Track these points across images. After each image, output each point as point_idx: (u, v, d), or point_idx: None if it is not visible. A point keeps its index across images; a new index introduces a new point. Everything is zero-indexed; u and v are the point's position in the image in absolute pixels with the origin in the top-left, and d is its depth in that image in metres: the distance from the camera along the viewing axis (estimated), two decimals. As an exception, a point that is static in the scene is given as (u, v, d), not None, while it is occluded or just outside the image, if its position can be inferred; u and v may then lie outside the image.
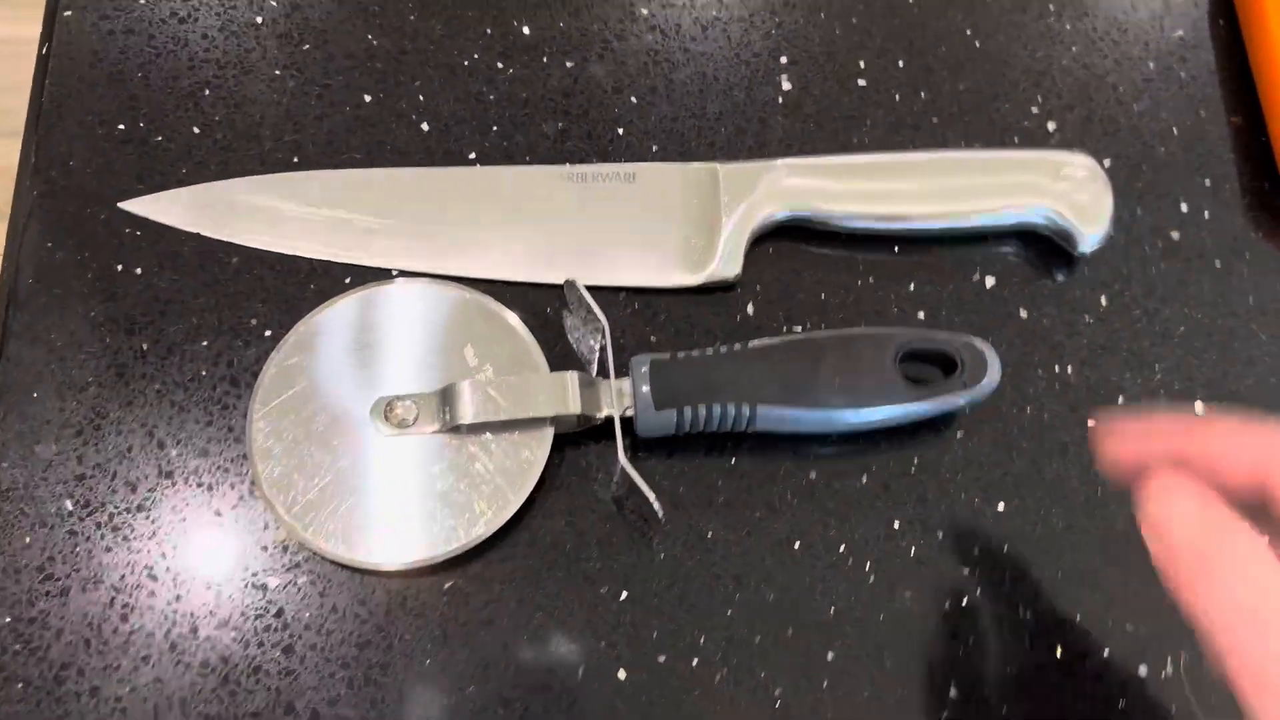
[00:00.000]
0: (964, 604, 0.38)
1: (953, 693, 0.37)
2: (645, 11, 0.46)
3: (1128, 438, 0.29)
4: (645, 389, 0.37)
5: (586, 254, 0.42)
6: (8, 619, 0.36)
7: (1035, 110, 0.46)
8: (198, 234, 0.41)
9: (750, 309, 0.42)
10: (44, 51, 0.43)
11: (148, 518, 0.37)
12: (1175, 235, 0.44)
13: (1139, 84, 0.46)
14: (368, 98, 0.44)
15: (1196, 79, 0.47)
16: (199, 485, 0.38)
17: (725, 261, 0.41)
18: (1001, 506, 0.39)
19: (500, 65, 0.45)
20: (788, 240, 0.43)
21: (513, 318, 0.40)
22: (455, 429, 0.37)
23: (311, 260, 0.41)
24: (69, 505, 0.37)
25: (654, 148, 0.44)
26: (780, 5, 0.47)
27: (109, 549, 0.37)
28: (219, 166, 0.42)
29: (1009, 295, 0.42)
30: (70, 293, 0.40)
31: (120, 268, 0.40)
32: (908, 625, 0.37)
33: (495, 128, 0.44)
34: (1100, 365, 0.41)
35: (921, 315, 0.42)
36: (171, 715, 0.35)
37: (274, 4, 0.45)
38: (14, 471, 0.37)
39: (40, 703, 0.35)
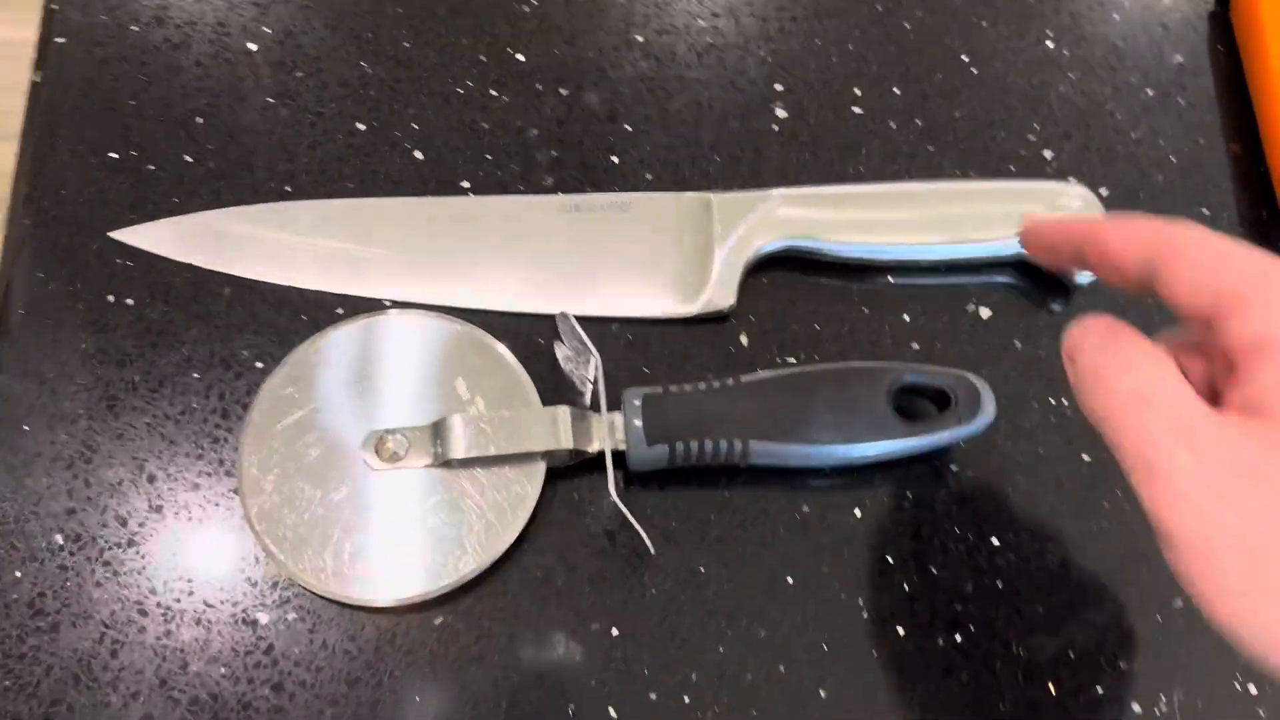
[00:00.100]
0: (958, 640, 0.37)
1: (945, 731, 0.36)
2: (640, 38, 0.46)
3: (1046, 233, 0.32)
4: (637, 423, 0.37)
5: (580, 284, 0.42)
6: (-3, 655, 0.36)
7: (1032, 138, 0.45)
8: (190, 264, 0.41)
9: (744, 339, 0.41)
10: (37, 79, 0.43)
11: (138, 552, 0.37)
12: (1172, 265, 0.43)
13: (1137, 111, 0.46)
14: (361, 126, 0.44)
15: (1195, 106, 0.46)
16: (189, 519, 0.38)
17: (719, 291, 0.41)
18: (996, 541, 0.39)
19: (494, 93, 0.45)
20: (782, 270, 0.42)
21: (504, 350, 0.39)
22: (447, 463, 0.37)
23: (304, 290, 0.41)
24: (59, 539, 0.37)
25: (648, 176, 0.44)
26: (775, 32, 0.47)
27: (99, 584, 0.37)
28: (211, 195, 0.42)
29: (1004, 327, 0.42)
30: (62, 324, 0.40)
31: (112, 298, 0.40)
32: (901, 662, 0.37)
33: (489, 156, 0.43)
34: (1096, 397, 0.41)
35: (916, 346, 0.42)
36: (160, 752, 0.35)
37: (267, 31, 0.45)
38: (4, 505, 0.37)
39: (29, 740, 0.35)
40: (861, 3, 0.47)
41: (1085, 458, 0.40)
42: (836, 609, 0.38)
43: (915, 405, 0.39)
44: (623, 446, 0.37)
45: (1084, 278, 0.42)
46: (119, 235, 0.41)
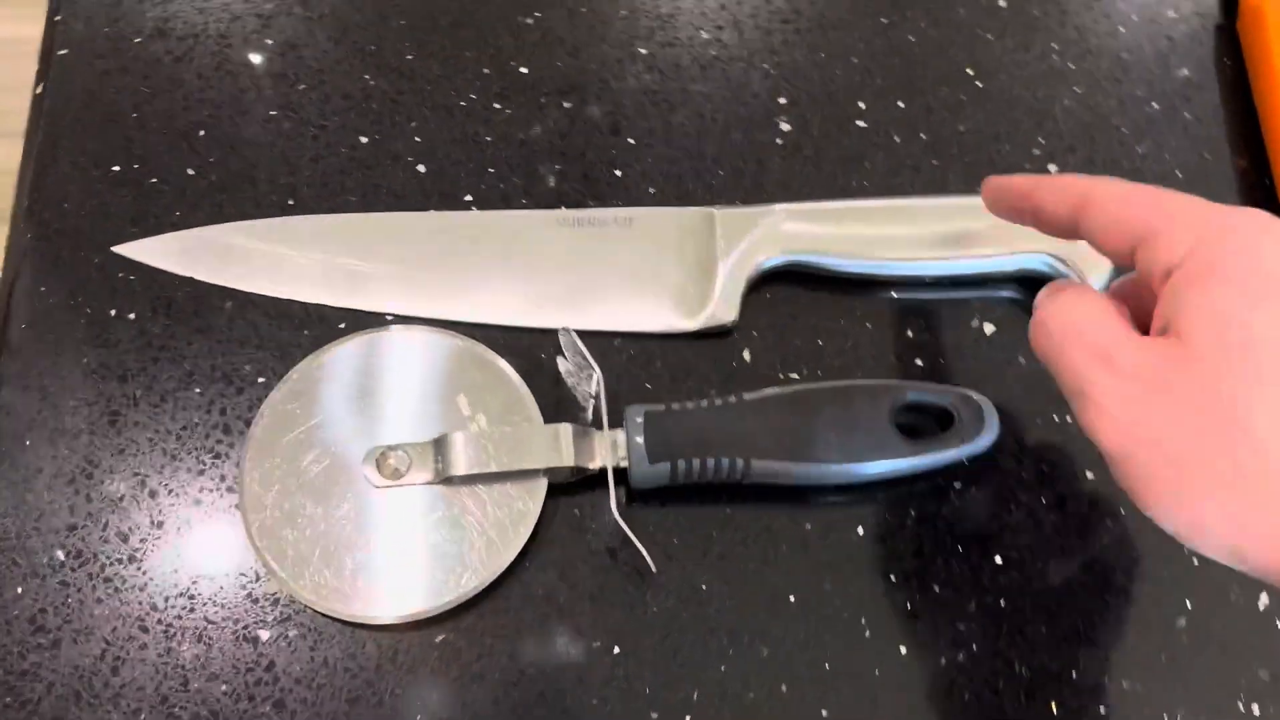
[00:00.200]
0: (960, 659, 0.37)
1: (948, 750, 0.36)
2: (644, 51, 0.46)
3: (999, 193, 0.35)
4: (639, 440, 0.37)
5: (582, 299, 0.41)
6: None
7: (1037, 152, 0.45)
8: (192, 279, 0.41)
9: (747, 355, 0.41)
10: (39, 91, 0.43)
11: (139, 568, 0.37)
12: (1177, 281, 0.43)
13: (1142, 125, 0.46)
14: (364, 139, 0.43)
15: (1201, 120, 0.46)
16: (191, 535, 0.38)
17: (722, 307, 0.41)
18: (999, 560, 0.39)
19: (497, 106, 0.44)
20: (785, 285, 0.42)
21: (506, 366, 0.39)
22: (448, 480, 0.37)
23: (306, 305, 0.41)
24: (61, 555, 0.37)
25: (651, 190, 0.44)
26: (779, 45, 0.46)
27: (100, 600, 0.37)
28: (213, 209, 0.42)
29: (1008, 342, 0.42)
30: (63, 338, 0.40)
31: (114, 312, 0.40)
32: (904, 681, 0.37)
33: (491, 169, 0.43)
34: (1100, 414, 0.41)
35: (919, 363, 0.41)
36: (161, 770, 0.35)
37: (270, 43, 0.45)
38: (5, 521, 0.37)
39: (30, 757, 0.35)
40: (866, 16, 0.47)
41: (1089, 475, 0.40)
42: (839, 627, 0.38)
43: (919, 421, 0.39)
44: (624, 464, 0.37)
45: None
46: (121, 250, 0.41)
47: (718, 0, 0.47)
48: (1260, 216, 0.29)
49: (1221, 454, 0.26)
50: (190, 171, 0.42)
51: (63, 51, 0.44)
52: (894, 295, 0.42)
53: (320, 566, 0.36)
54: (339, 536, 0.37)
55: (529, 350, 0.40)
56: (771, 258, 0.41)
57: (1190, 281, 0.28)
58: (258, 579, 0.37)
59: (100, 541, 0.37)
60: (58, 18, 0.44)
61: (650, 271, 0.42)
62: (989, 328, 0.42)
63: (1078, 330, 0.30)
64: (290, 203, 0.42)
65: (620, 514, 0.36)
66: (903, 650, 0.37)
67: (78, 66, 0.44)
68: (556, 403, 0.39)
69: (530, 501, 0.37)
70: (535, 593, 0.37)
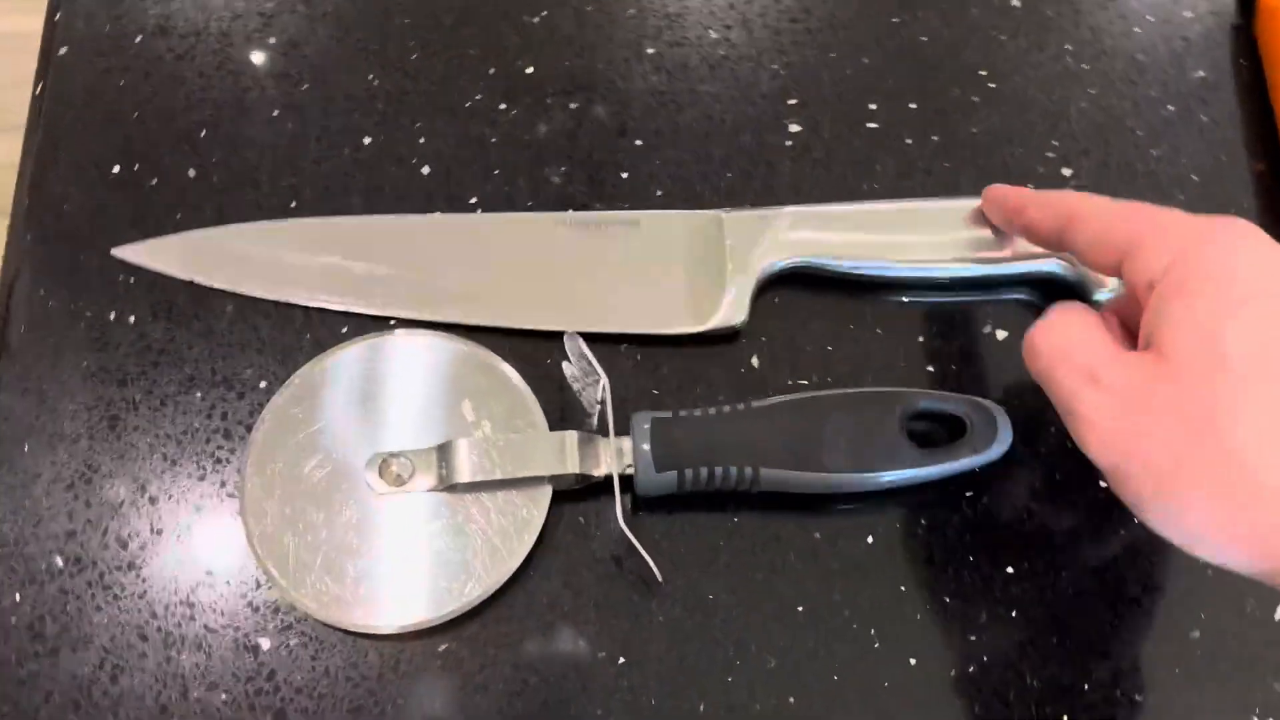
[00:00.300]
0: (971, 671, 0.37)
1: (958, 764, 0.36)
2: (651, 50, 0.45)
3: (990, 200, 0.38)
4: (646, 448, 0.36)
5: (589, 302, 0.41)
6: (-4, 679, 0.35)
7: (1050, 154, 0.44)
8: (192, 281, 0.40)
9: (755, 360, 0.41)
10: (38, 91, 0.43)
11: (139, 576, 0.37)
12: (1193, 286, 0.43)
13: (1158, 127, 0.45)
14: (367, 140, 0.43)
15: (1217, 122, 0.45)
16: (191, 542, 0.37)
17: (730, 310, 0.41)
18: (1010, 570, 0.38)
19: (503, 106, 0.44)
20: (794, 288, 0.42)
21: (511, 371, 0.39)
22: (452, 487, 0.37)
23: (308, 309, 0.40)
24: (59, 562, 0.37)
25: (659, 192, 0.43)
26: (789, 45, 0.46)
27: (99, 608, 0.36)
28: (215, 211, 0.41)
29: (1020, 348, 0.41)
30: (63, 342, 0.39)
31: (113, 316, 0.40)
32: (913, 692, 0.36)
33: (497, 171, 0.43)
34: (1114, 422, 0.40)
35: (931, 368, 0.41)
36: (160, 780, 0.34)
37: (273, 41, 0.44)
38: (3, 526, 0.37)
39: (28, 767, 0.34)
40: (877, 16, 0.47)
41: (1102, 484, 0.39)
42: (848, 638, 0.37)
43: (930, 428, 0.38)
44: (631, 471, 0.36)
45: (1102, 294, 0.41)
46: (121, 253, 0.40)
47: (726, -1, 0.47)
48: (1237, 225, 0.30)
49: (1202, 462, 0.27)
50: (191, 172, 0.42)
51: (63, 50, 0.43)
52: (905, 299, 0.42)
53: (322, 574, 0.36)
54: (341, 544, 0.36)
55: (534, 355, 0.40)
56: (780, 261, 0.41)
57: (1170, 294, 0.29)
58: (258, 586, 0.37)
59: (99, 548, 0.37)
60: (58, 16, 0.44)
61: (658, 275, 0.41)
62: (1001, 333, 0.41)
63: (1064, 352, 0.31)
64: (293, 204, 0.42)
65: (626, 522, 0.35)
66: (913, 661, 0.37)
67: (78, 65, 0.43)
68: (562, 409, 0.39)
69: (535, 509, 0.37)
70: (539, 601, 0.37)
